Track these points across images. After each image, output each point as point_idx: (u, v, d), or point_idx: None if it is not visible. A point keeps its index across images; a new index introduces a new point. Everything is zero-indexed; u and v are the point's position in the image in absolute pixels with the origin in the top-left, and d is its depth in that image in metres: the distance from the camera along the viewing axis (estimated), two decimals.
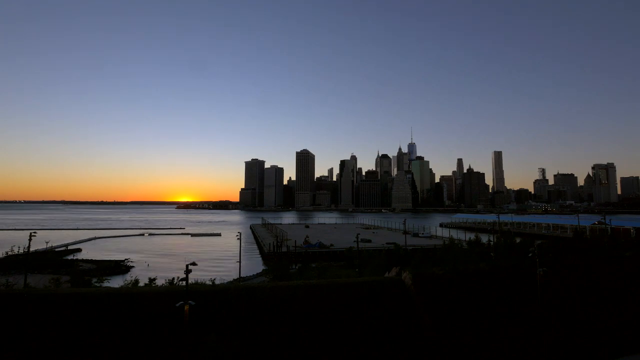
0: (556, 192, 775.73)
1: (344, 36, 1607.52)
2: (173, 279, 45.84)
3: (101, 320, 24.63)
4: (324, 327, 26.13)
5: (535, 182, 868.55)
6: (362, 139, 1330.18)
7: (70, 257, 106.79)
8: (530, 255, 31.44)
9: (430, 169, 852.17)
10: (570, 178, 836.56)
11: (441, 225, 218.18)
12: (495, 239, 76.23)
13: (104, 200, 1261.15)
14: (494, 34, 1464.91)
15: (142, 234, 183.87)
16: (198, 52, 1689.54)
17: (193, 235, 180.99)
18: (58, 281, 43.29)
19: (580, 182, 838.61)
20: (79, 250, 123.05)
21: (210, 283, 43.86)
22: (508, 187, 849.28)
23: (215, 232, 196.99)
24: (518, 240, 72.08)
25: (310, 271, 60.08)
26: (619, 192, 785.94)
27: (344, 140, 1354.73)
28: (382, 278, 34.42)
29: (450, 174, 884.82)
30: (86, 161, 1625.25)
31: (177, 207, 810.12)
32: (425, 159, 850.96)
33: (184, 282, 25.09)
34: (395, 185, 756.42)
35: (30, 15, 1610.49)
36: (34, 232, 61.48)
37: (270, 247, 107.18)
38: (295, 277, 50.67)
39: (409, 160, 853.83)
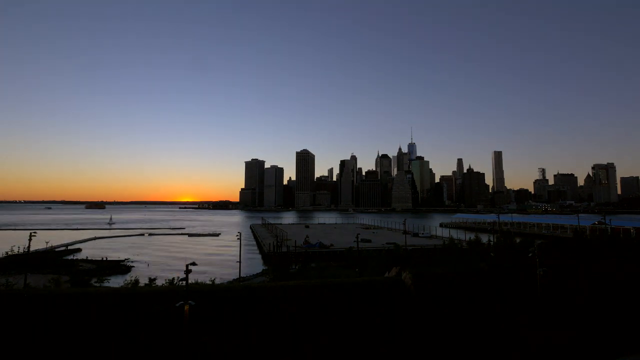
0: (556, 192, 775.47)
1: (344, 37, 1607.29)
2: (173, 279, 45.83)
3: (101, 320, 24.62)
4: (323, 327, 26.12)
5: (535, 182, 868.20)
6: (362, 139, 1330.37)
7: (70, 257, 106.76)
8: (530, 255, 31.44)
9: (430, 169, 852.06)
10: (570, 178, 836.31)
11: (441, 225, 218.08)
12: (495, 239, 76.21)
13: (104, 200, 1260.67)
14: (494, 34, 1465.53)
15: (142, 234, 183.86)
16: (199, 52, 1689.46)
17: (192, 235, 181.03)
18: (58, 281, 43.24)
19: (580, 182, 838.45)
20: (79, 250, 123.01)
21: (210, 283, 43.86)
22: (508, 187, 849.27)
23: (215, 232, 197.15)
24: (518, 240, 72.04)
25: (310, 271, 60.04)
26: (619, 192, 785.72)
27: (344, 140, 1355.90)
28: (382, 278, 34.41)
29: (450, 174, 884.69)
30: (86, 161, 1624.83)
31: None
32: (425, 159, 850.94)
33: (184, 282, 25.09)
34: (395, 185, 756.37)
35: (29, 11, 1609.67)
36: (34, 232, 61.49)
37: (270, 247, 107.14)
38: (295, 277, 50.64)
39: (409, 160, 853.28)
